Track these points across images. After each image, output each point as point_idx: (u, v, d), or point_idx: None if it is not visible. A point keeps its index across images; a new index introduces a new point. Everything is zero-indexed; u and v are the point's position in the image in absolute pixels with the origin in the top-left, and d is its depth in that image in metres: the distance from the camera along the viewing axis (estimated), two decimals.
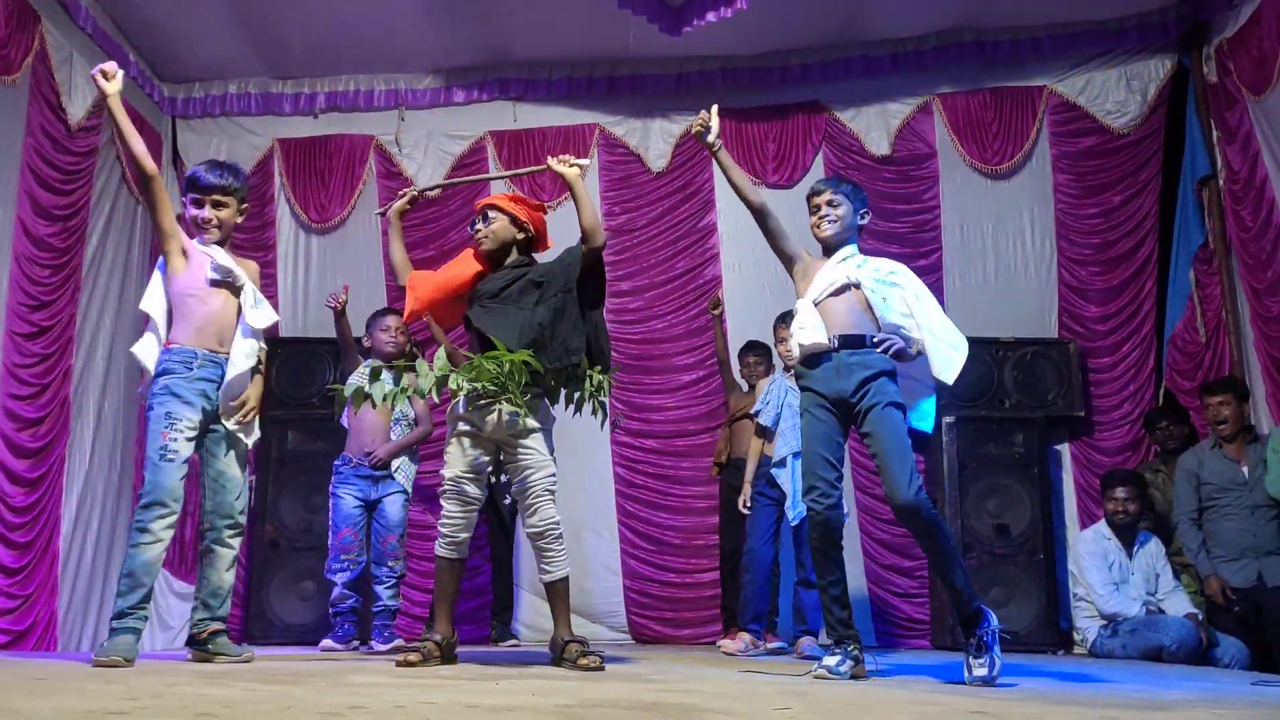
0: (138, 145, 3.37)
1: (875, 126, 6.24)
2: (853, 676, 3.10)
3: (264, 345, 3.60)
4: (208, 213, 3.53)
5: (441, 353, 3.51)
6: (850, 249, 3.43)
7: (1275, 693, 2.96)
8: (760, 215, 3.43)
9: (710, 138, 3.45)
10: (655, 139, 6.38)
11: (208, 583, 3.49)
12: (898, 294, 3.30)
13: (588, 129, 6.41)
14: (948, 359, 3.23)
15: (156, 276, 3.52)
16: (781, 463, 4.72)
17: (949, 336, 3.27)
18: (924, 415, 3.43)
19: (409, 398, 3.58)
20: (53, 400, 4.98)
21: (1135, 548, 5.00)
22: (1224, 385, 5.11)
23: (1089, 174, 6.07)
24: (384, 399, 3.42)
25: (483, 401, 3.35)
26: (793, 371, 4.80)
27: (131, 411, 5.70)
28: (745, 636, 4.64)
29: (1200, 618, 4.76)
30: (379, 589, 4.66)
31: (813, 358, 3.31)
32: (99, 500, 5.34)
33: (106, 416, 5.44)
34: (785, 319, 4.84)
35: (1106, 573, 4.93)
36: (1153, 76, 6.04)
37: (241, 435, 3.50)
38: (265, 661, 3.45)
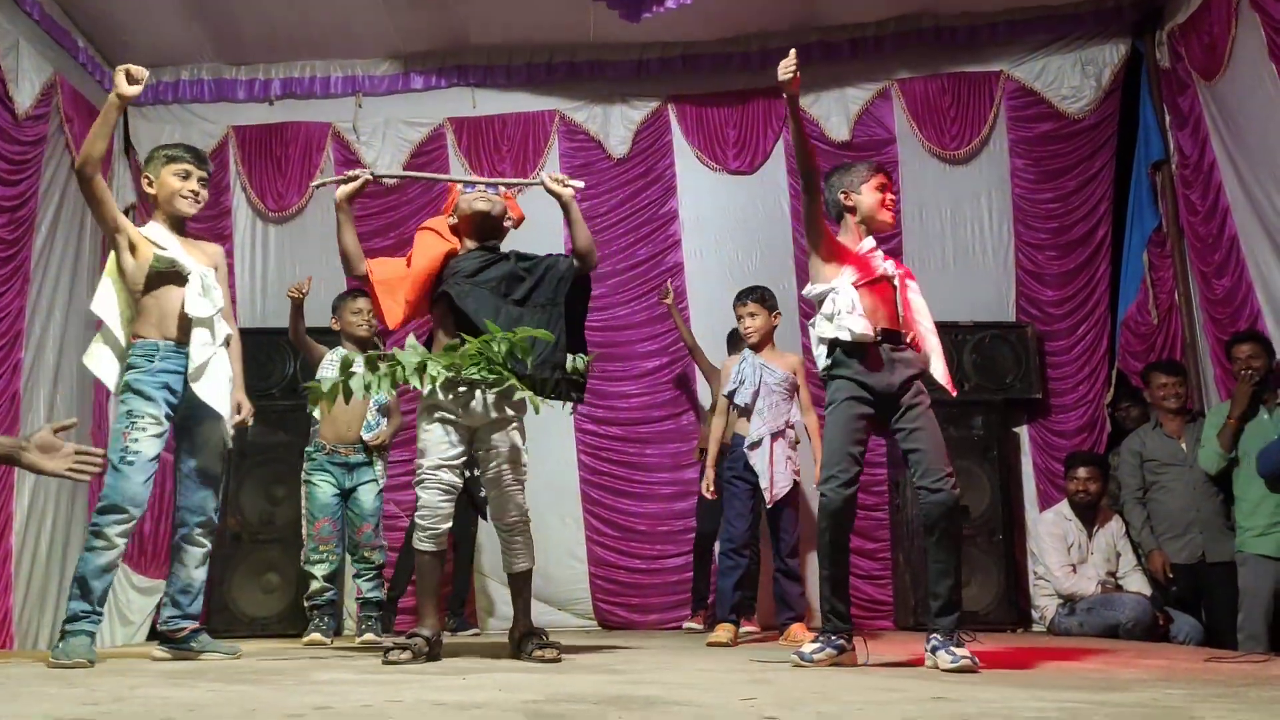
0: (101, 148, 3.31)
1: (835, 112, 6.27)
2: (841, 664, 3.07)
3: (231, 332, 3.52)
4: (197, 184, 3.52)
5: (411, 339, 3.44)
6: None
7: (1226, 669, 3.02)
8: (817, 179, 3.21)
9: (794, 86, 3.07)
10: (616, 125, 6.36)
11: (177, 579, 3.45)
12: (912, 298, 3.26)
13: (548, 115, 6.37)
14: (943, 373, 3.21)
15: (107, 275, 3.43)
16: (758, 443, 4.45)
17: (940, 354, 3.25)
18: None
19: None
20: (2, 395, 4.89)
21: (1095, 527, 5.09)
22: (1169, 366, 5.24)
23: (1045, 158, 6.13)
24: (366, 388, 3.22)
25: (462, 388, 3.29)
26: (748, 349, 4.68)
27: (85, 406, 5.60)
28: (729, 627, 4.39)
29: (1149, 594, 4.87)
30: (359, 582, 4.63)
31: (856, 347, 3.16)
32: (52, 496, 5.26)
33: (59, 411, 5.33)
34: (744, 297, 4.62)
35: (1064, 554, 5.02)
36: (1107, 61, 6.11)
37: (226, 431, 3.45)
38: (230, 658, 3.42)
